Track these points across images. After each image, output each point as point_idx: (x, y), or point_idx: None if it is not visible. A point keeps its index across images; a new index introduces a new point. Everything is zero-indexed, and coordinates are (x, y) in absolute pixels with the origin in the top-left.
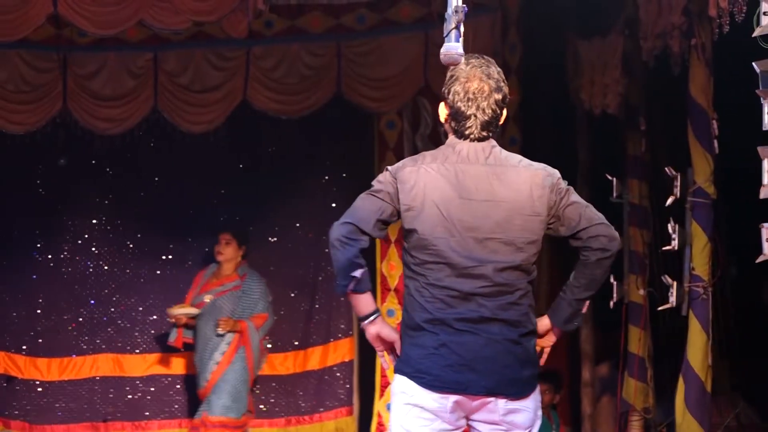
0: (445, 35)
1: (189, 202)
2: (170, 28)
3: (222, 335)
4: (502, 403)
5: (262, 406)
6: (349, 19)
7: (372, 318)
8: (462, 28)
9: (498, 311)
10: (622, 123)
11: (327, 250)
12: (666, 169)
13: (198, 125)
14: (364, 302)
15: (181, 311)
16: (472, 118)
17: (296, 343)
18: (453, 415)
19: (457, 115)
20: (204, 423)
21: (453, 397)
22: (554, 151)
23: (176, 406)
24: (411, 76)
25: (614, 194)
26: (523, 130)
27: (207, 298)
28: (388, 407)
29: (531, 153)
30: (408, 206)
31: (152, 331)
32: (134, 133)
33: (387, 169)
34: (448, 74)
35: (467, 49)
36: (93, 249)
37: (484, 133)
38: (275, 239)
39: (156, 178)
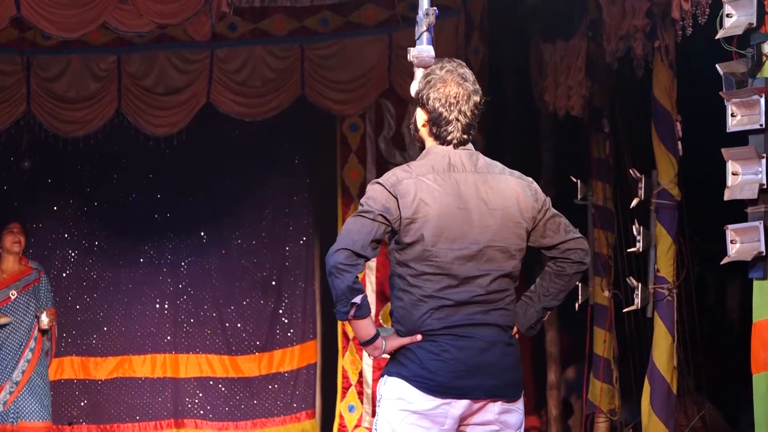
0: (416, 38)
1: (153, 204)
2: (134, 30)
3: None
4: (498, 404)
5: (227, 408)
6: (312, 21)
7: (373, 342)
8: (432, 32)
9: (490, 317)
10: (586, 125)
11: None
12: (630, 171)
13: (162, 128)
14: (364, 327)
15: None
16: (454, 122)
17: (259, 344)
18: (453, 422)
19: (438, 120)
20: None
21: (458, 403)
22: (518, 153)
23: (141, 409)
24: (375, 79)
25: (579, 196)
26: (487, 133)
27: (12, 295)
28: (350, 409)
29: (495, 155)
30: (410, 219)
31: (115, 334)
32: (98, 136)
33: (379, 183)
34: (423, 79)
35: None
36: (59, 252)
37: (465, 137)
38: (238, 241)
39: (120, 181)
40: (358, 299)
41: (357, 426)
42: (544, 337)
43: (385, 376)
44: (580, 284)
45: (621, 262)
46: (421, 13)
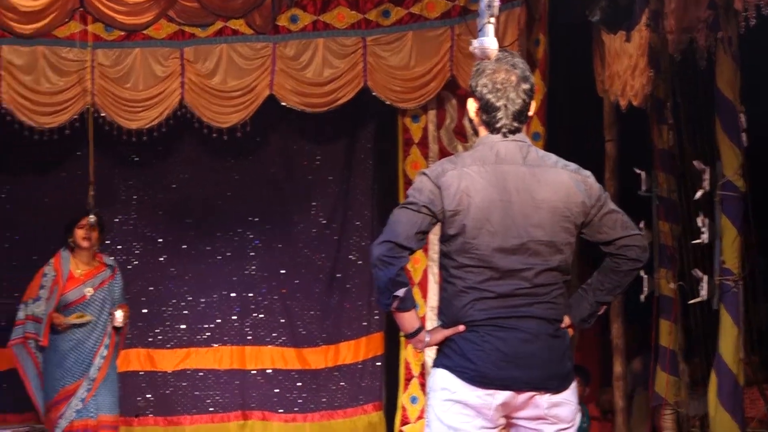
0: (479, 29)
1: (214, 195)
2: (196, 23)
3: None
4: (546, 397)
5: (294, 401)
6: (374, 13)
7: (417, 335)
8: (494, 22)
9: (534, 309)
10: (650, 116)
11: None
12: (694, 162)
13: (225, 120)
14: (408, 320)
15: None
16: (503, 109)
17: (325, 336)
18: (496, 413)
19: (487, 107)
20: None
21: (500, 394)
22: (581, 146)
23: (208, 401)
24: (436, 71)
25: (642, 188)
26: (548, 125)
27: (88, 292)
28: (412, 400)
29: (556, 148)
30: (453, 211)
31: (182, 327)
32: (161, 129)
33: (425, 174)
34: (474, 68)
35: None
36: (121, 246)
37: (516, 124)
38: (303, 234)
39: (183, 173)
40: (401, 292)
41: (419, 417)
42: (610, 329)
43: (433, 368)
44: (645, 276)
45: (686, 254)
46: (483, 4)
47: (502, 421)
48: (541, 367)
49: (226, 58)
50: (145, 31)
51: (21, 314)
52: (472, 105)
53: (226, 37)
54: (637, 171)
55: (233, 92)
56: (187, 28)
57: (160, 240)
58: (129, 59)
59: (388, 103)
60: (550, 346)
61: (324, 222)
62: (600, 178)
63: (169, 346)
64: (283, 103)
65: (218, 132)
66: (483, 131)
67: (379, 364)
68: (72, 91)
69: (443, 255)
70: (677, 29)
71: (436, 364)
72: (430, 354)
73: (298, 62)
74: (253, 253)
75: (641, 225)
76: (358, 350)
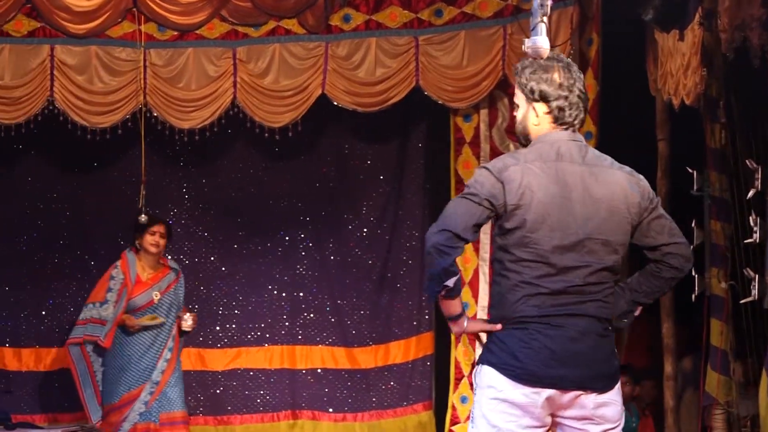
0: (531, 29)
1: (265, 195)
2: (249, 23)
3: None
4: (592, 397)
5: (344, 400)
6: (427, 13)
7: (458, 319)
8: (547, 22)
9: (585, 308)
10: (702, 115)
11: (402, 243)
12: (747, 161)
13: (278, 120)
14: (452, 305)
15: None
16: (571, 108)
17: (375, 336)
18: (543, 411)
19: (556, 106)
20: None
21: (545, 392)
22: (633, 145)
23: (258, 401)
24: (488, 70)
25: (695, 187)
26: (600, 124)
27: (156, 296)
28: (462, 400)
29: (608, 147)
30: (516, 205)
31: (233, 326)
32: (213, 128)
33: (486, 168)
34: (526, 70)
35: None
36: (171, 245)
37: (576, 123)
38: (354, 234)
39: (233, 172)
40: (451, 282)
41: (469, 418)
42: (660, 328)
43: (479, 365)
44: (696, 275)
45: (738, 253)
46: (536, 3)
47: (549, 419)
48: (588, 366)
49: (279, 57)
50: (198, 31)
51: (85, 315)
52: (530, 108)
53: (279, 37)
54: (690, 170)
55: (285, 92)
56: (240, 28)
57: (211, 240)
58: (182, 59)
59: (440, 102)
60: (597, 345)
61: (375, 222)
62: (652, 178)
63: (219, 345)
64: (335, 103)
65: (270, 132)
66: (544, 131)
67: (428, 363)
68: (124, 91)
69: (499, 248)
70: (730, 27)
71: (482, 360)
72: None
73: (351, 62)
74: (303, 253)
75: (693, 224)
76: (408, 350)
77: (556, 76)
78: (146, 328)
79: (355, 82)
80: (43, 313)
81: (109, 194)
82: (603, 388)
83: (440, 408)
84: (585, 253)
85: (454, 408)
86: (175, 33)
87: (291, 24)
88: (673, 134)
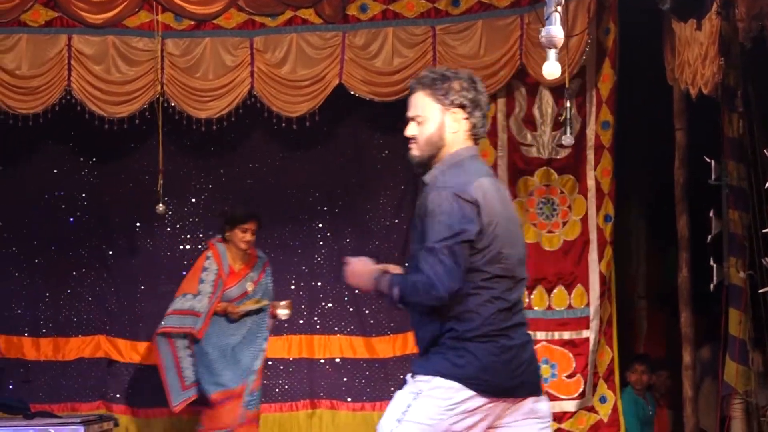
0: (545, 18)
1: (282, 185)
2: (266, 12)
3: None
4: (533, 398)
5: (362, 389)
6: (444, 2)
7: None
8: (561, 11)
9: (523, 316)
10: (720, 104)
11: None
12: (765, 150)
13: (295, 110)
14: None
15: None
16: (482, 120)
17: (393, 325)
18: (494, 419)
19: (476, 119)
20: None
21: (502, 404)
22: (651, 134)
23: (277, 390)
24: (506, 59)
25: (712, 177)
26: (617, 114)
27: (249, 287)
28: None
29: (626, 137)
30: (488, 223)
31: None
32: (231, 118)
33: (461, 198)
34: (444, 82)
35: (564, 31)
36: (189, 235)
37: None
38: (372, 223)
39: (251, 162)
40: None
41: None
42: (679, 317)
43: (432, 375)
44: (715, 265)
45: (756, 243)
46: None
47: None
48: (535, 372)
49: (296, 47)
50: (214, 21)
51: (178, 306)
52: (458, 115)
53: (296, 27)
54: (707, 160)
55: (303, 81)
56: (256, 18)
57: None
58: (199, 49)
59: None
60: (533, 352)
61: (392, 211)
62: (669, 167)
63: None
64: (353, 93)
65: (287, 121)
66: (466, 145)
67: None
68: (142, 81)
69: (470, 270)
70: (748, 17)
71: (442, 373)
72: None
73: (368, 51)
74: (321, 243)
75: (711, 214)
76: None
77: (476, 91)
78: (248, 313)
79: (372, 72)
80: (61, 302)
81: (126, 184)
82: (541, 389)
83: None
84: (523, 264)
85: None
86: (192, 23)
87: (308, 14)
88: (691, 124)
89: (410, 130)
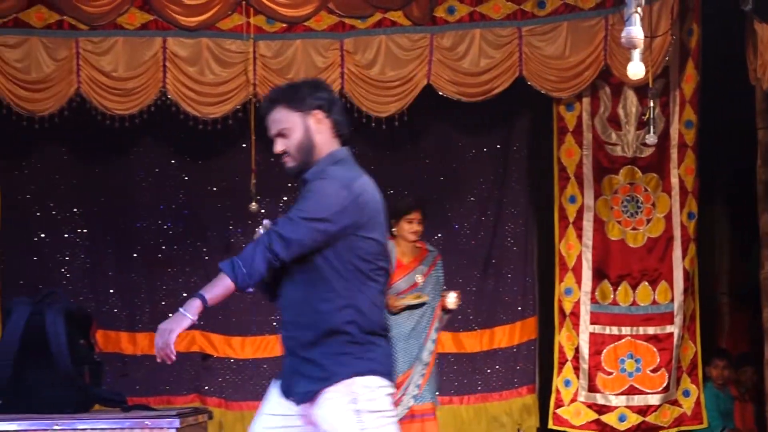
0: (625, 19)
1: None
2: (356, 14)
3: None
4: None
5: (451, 383)
6: (530, 4)
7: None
8: (641, 12)
9: None
10: None
11: (506, 230)
12: None
13: (384, 110)
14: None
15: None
16: (343, 119)
17: (480, 320)
18: None
19: (340, 122)
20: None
21: None
22: (734, 133)
23: None
24: (591, 60)
25: None
26: (700, 114)
27: (419, 279)
28: (566, 383)
29: (709, 136)
30: (373, 216)
31: None
32: None
33: (346, 190)
34: (317, 90)
35: (648, 32)
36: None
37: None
38: (460, 220)
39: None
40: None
41: (573, 400)
42: (761, 314)
43: (353, 377)
44: None
45: None
46: None
47: None
48: None
49: (385, 49)
50: (305, 23)
51: None
52: (318, 117)
53: (385, 29)
54: None
55: (392, 82)
56: (346, 20)
57: None
58: (290, 50)
59: (543, 92)
60: None
61: (480, 209)
62: (752, 165)
63: None
64: (440, 93)
65: (376, 121)
66: (337, 145)
67: (532, 348)
68: (235, 82)
69: (361, 259)
70: None
71: (361, 372)
72: (585, 339)
73: (455, 52)
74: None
75: None
76: (513, 334)
77: (328, 87)
78: (410, 307)
79: (459, 73)
80: (157, 298)
81: (219, 183)
82: None
83: (543, 391)
84: None
85: (558, 391)
86: (284, 25)
87: (397, 16)
88: None
89: (278, 146)
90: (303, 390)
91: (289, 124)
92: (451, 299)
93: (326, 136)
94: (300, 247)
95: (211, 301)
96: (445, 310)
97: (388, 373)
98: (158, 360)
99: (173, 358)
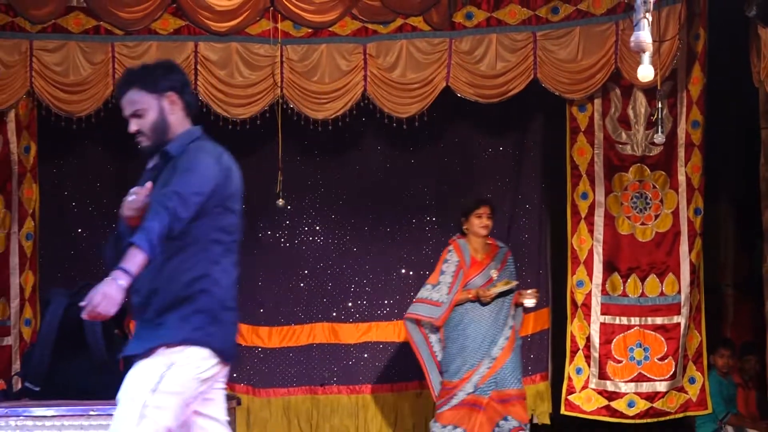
0: (634, 24)
1: (393, 180)
2: (378, 20)
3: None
4: None
5: None
6: (544, 10)
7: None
8: (650, 18)
9: None
10: None
11: (521, 225)
12: None
13: (405, 111)
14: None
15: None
16: (193, 99)
17: None
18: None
19: (191, 102)
20: (502, 397)
21: (225, 368)
22: (738, 133)
23: (388, 372)
24: (602, 63)
25: None
26: (706, 114)
27: (494, 274)
28: (578, 371)
29: (715, 136)
30: (235, 189)
31: (364, 302)
32: (345, 118)
33: (217, 163)
34: (168, 72)
35: (656, 36)
36: (307, 227)
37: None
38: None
39: (362, 158)
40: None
41: (584, 387)
42: (763, 304)
43: (185, 345)
44: None
45: None
46: (638, 1)
47: None
48: None
49: (406, 52)
50: (330, 29)
51: (420, 294)
52: (172, 98)
53: (406, 33)
54: None
55: (412, 84)
56: (369, 25)
57: (344, 222)
58: (316, 54)
59: (556, 94)
60: None
61: (496, 205)
62: (756, 163)
63: (351, 320)
64: (459, 95)
65: (398, 122)
66: (185, 124)
67: (545, 337)
68: (263, 85)
69: (222, 231)
70: None
71: (193, 341)
72: (596, 328)
73: (473, 56)
74: (429, 234)
75: None
76: (527, 324)
77: (181, 69)
78: (501, 294)
79: (477, 75)
80: None
81: (247, 180)
82: None
83: (555, 378)
84: None
85: (570, 378)
86: (310, 30)
87: (417, 21)
88: None
89: (133, 126)
90: (139, 351)
91: (144, 105)
92: (530, 300)
93: (179, 116)
94: (188, 220)
95: (135, 275)
96: (520, 305)
97: (221, 349)
98: (85, 316)
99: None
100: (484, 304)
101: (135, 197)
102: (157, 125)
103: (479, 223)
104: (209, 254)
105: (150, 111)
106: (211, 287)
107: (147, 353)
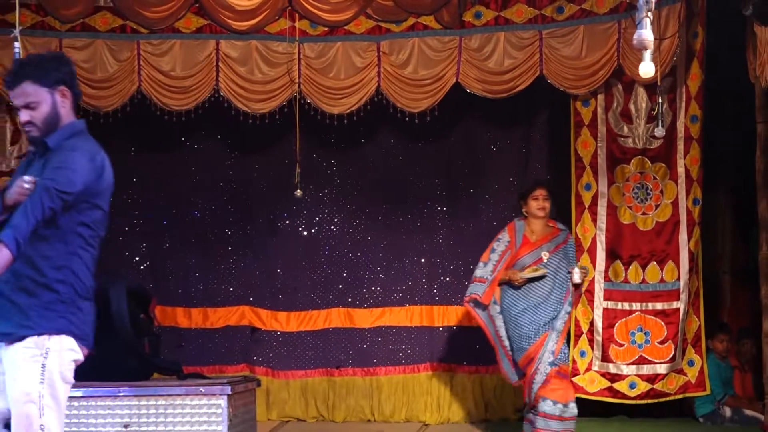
0: (637, 23)
1: (405, 172)
2: (392, 19)
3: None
4: None
5: (478, 354)
6: (549, 10)
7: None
8: (651, 17)
9: None
10: None
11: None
12: None
13: (417, 106)
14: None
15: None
16: (78, 90)
17: None
18: None
19: (79, 93)
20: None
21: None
22: (735, 127)
23: (400, 354)
24: (605, 60)
25: None
26: (705, 109)
27: (544, 256)
28: (581, 354)
29: (713, 130)
30: (104, 187)
31: (378, 288)
32: (360, 113)
33: (91, 162)
34: (44, 68)
35: (657, 35)
36: (324, 217)
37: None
38: (483, 207)
39: (378, 153)
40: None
41: (588, 369)
42: (759, 289)
43: (52, 335)
44: None
45: None
46: (641, 0)
47: None
48: None
49: (418, 50)
50: (346, 27)
51: (474, 274)
52: (63, 91)
53: (418, 32)
54: None
55: (424, 80)
56: (383, 24)
57: (359, 212)
58: (332, 52)
59: (561, 89)
60: None
61: (502, 197)
62: (752, 156)
63: (366, 305)
64: (468, 90)
65: (410, 116)
66: (71, 116)
67: None
68: (281, 81)
69: (84, 225)
70: None
71: (59, 330)
72: (599, 314)
73: (482, 53)
74: (440, 224)
75: None
76: None
77: (69, 60)
78: (531, 280)
79: (485, 72)
80: (210, 277)
81: (267, 173)
82: None
83: None
84: None
85: (574, 361)
86: (326, 29)
87: (428, 20)
88: None
89: (24, 116)
90: (3, 331)
91: (37, 98)
92: (576, 274)
93: (68, 109)
94: (53, 214)
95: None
96: (574, 284)
97: (83, 336)
98: None
99: None
100: (515, 288)
101: (29, 186)
102: (50, 118)
103: (536, 204)
104: (69, 246)
105: (43, 104)
106: (69, 278)
107: (10, 340)
